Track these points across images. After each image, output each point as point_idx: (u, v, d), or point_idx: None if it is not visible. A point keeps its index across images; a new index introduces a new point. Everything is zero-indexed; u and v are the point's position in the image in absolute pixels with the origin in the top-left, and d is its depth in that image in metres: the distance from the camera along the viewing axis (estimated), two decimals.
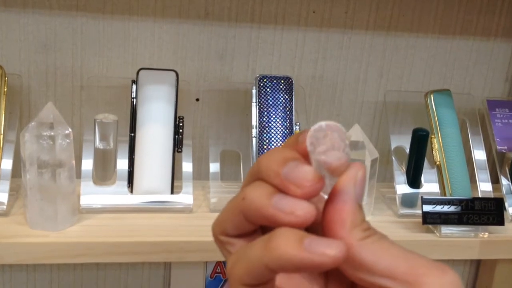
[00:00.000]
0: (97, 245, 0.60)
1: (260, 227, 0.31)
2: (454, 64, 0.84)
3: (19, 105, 0.71)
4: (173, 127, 0.70)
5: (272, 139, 0.71)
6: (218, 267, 0.84)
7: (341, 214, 0.28)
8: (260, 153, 0.71)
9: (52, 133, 0.58)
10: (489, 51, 0.85)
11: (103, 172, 0.71)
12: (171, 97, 0.70)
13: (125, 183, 0.68)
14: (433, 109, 0.74)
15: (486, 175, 0.76)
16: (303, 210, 0.27)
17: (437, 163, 0.72)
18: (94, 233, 0.62)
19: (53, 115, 0.59)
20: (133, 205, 0.67)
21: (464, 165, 0.72)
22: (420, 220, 0.67)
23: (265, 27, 0.77)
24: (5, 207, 0.64)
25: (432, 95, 0.74)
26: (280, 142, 0.71)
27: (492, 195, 0.74)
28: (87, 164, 0.68)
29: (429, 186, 0.74)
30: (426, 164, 0.74)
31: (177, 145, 0.70)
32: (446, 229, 0.68)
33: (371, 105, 0.84)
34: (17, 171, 0.65)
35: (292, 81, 0.73)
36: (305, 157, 0.29)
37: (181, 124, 0.70)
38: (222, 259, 0.57)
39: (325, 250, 0.26)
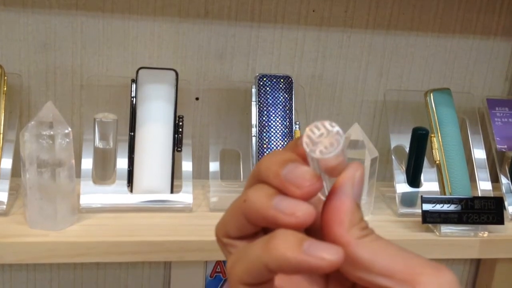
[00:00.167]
0: (97, 245, 0.60)
1: (262, 229, 0.31)
2: (454, 63, 0.84)
3: (19, 105, 0.71)
4: (173, 126, 0.70)
5: (272, 138, 0.71)
6: (218, 267, 0.84)
7: (339, 213, 0.29)
8: (260, 152, 0.71)
9: (52, 133, 0.58)
10: (489, 50, 0.85)
11: (103, 172, 0.71)
12: (171, 96, 0.70)
13: (125, 182, 0.68)
14: (433, 108, 0.74)
15: (486, 174, 0.76)
16: (303, 211, 0.27)
17: (437, 162, 0.72)
18: (94, 232, 0.62)
19: (53, 114, 0.59)
20: (133, 205, 0.67)
21: (464, 164, 0.72)
22: (420, 219, 0.67)
23: (265, 26, 0.77)
24: (4, 206, 0.64)
25: (432, 94, 0.74)
26: (280, 141, 0.71)
27: (492, 194, 0.74)
28: (87, 163, 0.68)
29: (429, 185, 0.74)
30: (425, 163, 0.74)
31: (177, 144, 0.70)
32: (445, 228, 0.68)
33: (370, 104, 0.84)
34: (16, 171, 0.65)
35: (292, 80, 0.73)
36: (305, 160, 0.29)
37: (180, 123, 0.70)
38: (222, 258, 0.57)
39: (323, 254, 0.26)
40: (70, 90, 0.75)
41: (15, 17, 0.71)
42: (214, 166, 0.74)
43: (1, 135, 0.66)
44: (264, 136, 0.71)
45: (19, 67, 0.72)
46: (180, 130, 0.70)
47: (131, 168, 0.69)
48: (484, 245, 0.69)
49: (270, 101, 0.72)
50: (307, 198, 0.28)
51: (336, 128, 0.27)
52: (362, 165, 0.30)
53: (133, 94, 0.69)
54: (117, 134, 0.71)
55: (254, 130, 0.71)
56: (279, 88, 0.73)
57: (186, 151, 0.71)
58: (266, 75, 0.73)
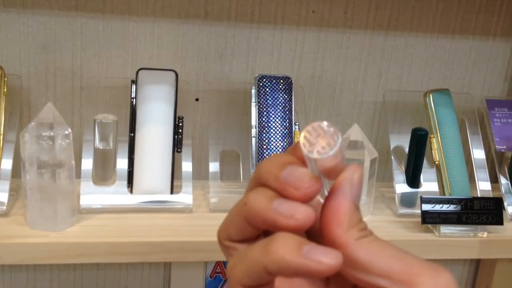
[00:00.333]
0: (97, 245, 0.60)
1: (263, 232, 0.31)
2: (453, 64, 0.85)
3: (19, 106, 0.71)
4: (172, 127, 0.70)
5: (272, 139, 0.71)
6: (218, 267, 0.85)
7: (338, 214, 0.29)
8: (260, 153, 0.71)
9: (52, 133, 0.58)
10: (488, 50, 0.85)
11: (103, 172, 0.71)
12: (171, 97, 0.70)
13: (125, 183, 0.69)
14: (432, 108, 0.74)
15: (485, 174, 0.76)
16: (302, 214, 0.28)
17: (436, 162, 0.72)
18: (94, 233, 0.62)
19: (53, 115, 0.59)
20: (133, 205, 0.67)
21: (463, 165, 0.72)
22: (419, 219, 0.67)
23: (265, 27, 0.77)
24: (5, 207, 0.64)
25: (431, 95, 0.74)
26: (280, 142, 0.71)
27: (491, 195, 0.74)
28: (87, 164, 0.68)
29: (428, 185, 0.75)
30: (425, 163, 0.74)
31: (177, 145, 0.70)
32: (445, 229, 0.68)
33: (370, 104, 0.84)
34: (17, 172, 0.65)
35: (291, 81, 0.73)
36: (304, 163, 0.29)
37: (180, 124, 0.70)
38: (221, 259, 0.57)
39: (322, 258, 0.26)
40: (70, 91, 0.75)
41: (15, 18, 0.71)
42: (214, 166, 0.74)
43: (1, 136, 0.66)
44: (264, 137, 0.71)
45: (19, 68, 0.73)
46: (180, 131, 0.70)
47: (131, 169, 0.69)
48: (484, 246, 0.69)
49: (270, 102, 0.72)
50: (306, 199, 0.28)
51: (333, 128, 0.27)
52: (360, 167, 0.30)
53: (133, 95, 0.69)
54: (117, 135, 0.71)
55: (253, 131, 0.72)
56: (279, 89, 0.73)
57: (186, 151, 0.71)
58: (266, 76, 0.73)
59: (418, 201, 0.68)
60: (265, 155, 0.71)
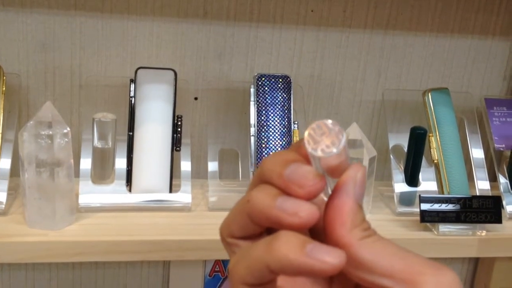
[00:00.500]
0: (96, 244, 0.60)
1: (266, 230, 0.31)
2: (452, 63, 0.85)
3: (18, 104, 0.71)
4: (171, 126, 0.70)
5: (270, 137, 0.71)
6: (217, 266, 0.85)
7: (341, 214, 0.29)
8: (259, 152, 0.71)
9: (51, 132, 0.58)
10: (487, 49, 0.85)
11: (102, 171, 0.71)
12: (170, 96, 0.70)
13: (124, 182, 0.69)
14: (431, 107, 0.74)
15: (484, 173, 0.76)
16: (306, 211, 0.28)
17: (435, 161, 0.72)
18: (93, 232, 0.62)
19: (52, 114, 0.59)
20: (132, 204, 0.67)
21: (462, 164, 0.72)
22: (418, 218, 0.67)
23: (264, 26, 0.77)
24: (3, 206, 0.64)
25: (430, 94, 0.74)
26: (278, 141, 0.71)
27: (490, 193, 0.74)
28: (86, 163, 0.68)
29: (427, 184, 0.75)
30: (424, 162, 0.74)
31: (176, 143, 0.70)
32: (444, 227, 0.68)
33: (369, 103, 0.84)
34: (15, 170, 0.65)
35: (290, 80, 0.73)
36: (308, 160, 0.29)
37: (179, 123, 0.70)
38: (220, 257, 0.57)
39: (326, 258, 0.26)
40: (69, 90, 0.75)
41: (13, 17, 0.71)
42: (212, 165, 0.74)
43: (0, 134, 0.66)
44: (263, 136, 0.71)
45: (18, 67, 0.73)
46: (179, 129, 0.70)
47: (129, 168, 0.69)
48: (482, 244, 0.69)
49: (269, 101, 0.72)
50: (310, 197, 0.28)
51: (338, 127, 0.27)
52: (364, 166, 0.30)
53: (132, 94, 0.69)
54: (115, 133, 0.71)
55: (252, 130, 0.72)
56: (278, 88, 0.73)
57: (185, 150, 0.71)
58: (265, 75, 0.73)
59: (417, 199, 0.68)
60: (264, 154, 0.71)
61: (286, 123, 0.72)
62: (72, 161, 0.61)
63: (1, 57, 0.72)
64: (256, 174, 0.31)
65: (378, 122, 0.85)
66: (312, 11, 0.78)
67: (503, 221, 0.69)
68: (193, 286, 0.85)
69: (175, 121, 0.70)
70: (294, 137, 0.72)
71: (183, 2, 0.74)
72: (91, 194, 0.66)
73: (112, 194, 0.67)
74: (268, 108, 0.72)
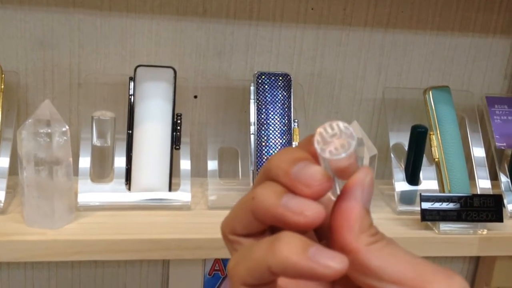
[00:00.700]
0: (95, 243, 0.60)
1: (269, 227, 0.31)
2: (453, 61, 0.84)
3: (16, 103, 0.71)
4: (171, 124, 0.69)
5: (270, 136, 0.71)
6: (217, 265, 0.84)
7: (348, 219, 0.28)
8: (258, 150, 0.70)
9: (49, 131, 0.58)
10: (488, 47, 0.85)
11: (101, 170, 0.71)
12: (169, 94, 0.70)
13: (123, 180, 0.68)
14: (432, 106, 0.74)
15: (485, 172, 0.75)
16: (312, 211, 0.27)
17: (436, 160, 0.72)
18: (92, 230, 0.61)
19: (50, 112, 0.59)
20: (131, 203, 0.67)
21: (463, 162, 0.72)
22: (419, 217, 0.67)
23: (263, 24, 0.77)
24: (2, 205, 0.63)
25: (431, 92, 0.74)
26: (278, 139, 0.71)
27: (491, 192, 0.74)
28: (85, 161, 0.68)
29: (428, 183, 0.74)
30: (424, 161, 0.74)
31: (175, 142, 0.69)
32: (445, 226, 0.68)
33: (369, 102, 0.83)
34: (14, 169, 0.65)
35: (290, 78, 0.73)
36: (316, 158, 0.28)
37: (179, 121, 0.70)
38: (220, 256, 0.57)
39: (329, 262, 0.25)
40: (68, 88, 0.74)
41: (12, 14, 0.70)
42: (212, 164, 0.73)
43: None
44: (263, 134, 0.71)
45: (16, 65, 0.72)
46: (178, 128, 0.69)
47: (129, 166, 0.68)
48: (483, 243, 0.69)
49: (269, 99, 0.72)
50: (316, 197, 0.28)
51: (350, 130, 0.27)
52: (372, 170, 0.29)
53: (131, 92, 0.69)
54: (115, 132, 0.71)
55: (252, 128, 0.71)
56: (278, 86, 0.72)
57: (185, 149, 0.71)
58: (265, 73, 0.73)
59: (418, 198, 0.68)
60: (264, 152, 0.70)
61: (286, 121, 0.72)
62: (71, 159, 0.60)
63: None
64: (262, 170, 0.31)
65: (379, 120, 0.84)
66: (312, 9, 0.78)
67: (504, 219, 0.69)
68: (192, 285, 0.85)
69: (175, 120, 0.69)
70: (294, 136, 0.72)
71: (182, 0, 0.74)
72: (90, 193, 0.66)
73: (111, 192, 0.67)
74: (268, 106, 0.72)
